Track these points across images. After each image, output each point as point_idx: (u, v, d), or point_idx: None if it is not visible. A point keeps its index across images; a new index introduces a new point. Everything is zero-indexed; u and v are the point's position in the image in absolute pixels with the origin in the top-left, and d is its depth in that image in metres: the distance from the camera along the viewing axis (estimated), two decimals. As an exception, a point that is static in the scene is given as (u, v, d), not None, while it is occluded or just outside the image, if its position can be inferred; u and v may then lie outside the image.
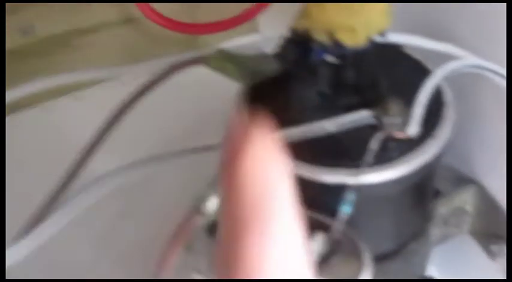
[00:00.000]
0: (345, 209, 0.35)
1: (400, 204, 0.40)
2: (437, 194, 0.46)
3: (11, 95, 0.45)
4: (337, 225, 0.35)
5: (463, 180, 0.47)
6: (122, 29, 0.68)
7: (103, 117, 0.47)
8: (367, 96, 0.38)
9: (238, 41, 0.43)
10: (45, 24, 0.65)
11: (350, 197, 0.35)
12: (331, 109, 0.38)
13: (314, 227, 0.36)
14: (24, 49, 0.65)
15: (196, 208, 0.34)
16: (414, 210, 0.42)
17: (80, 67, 0.62)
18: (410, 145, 0.37)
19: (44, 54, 0.66)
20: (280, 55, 0.40)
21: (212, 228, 0.36)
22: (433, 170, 0.40)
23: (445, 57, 0.40)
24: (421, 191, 0.41)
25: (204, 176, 0.36)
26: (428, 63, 0.42)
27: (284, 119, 0.37)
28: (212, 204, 0.34)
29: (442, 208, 0.46)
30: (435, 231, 0.45)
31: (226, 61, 0.39)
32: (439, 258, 0.47)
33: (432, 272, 0.47)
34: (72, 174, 0.43)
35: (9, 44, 0.64)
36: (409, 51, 0.43)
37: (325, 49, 0.37)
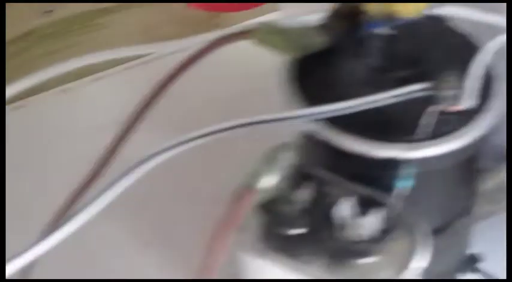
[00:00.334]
0: (404, 184, 0.35)
1: (450, 180, 0.40)
2: (479, 170, 0.45)
3: (37, 77, 0.44)
4: (394, 201, 0.35)
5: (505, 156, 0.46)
6: (143, 8, 0.67)
7: (133, 97, 0.47)
8: (419, 69, 0.37)
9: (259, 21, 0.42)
10: (66, 4, 0.64)
11: (408, 171, 0.35)
12: (382, 83, 0.37)
13: (368, 204, 0.35)
14: (46, 29, 0.64)
15: (250, 185, 0.33)
16: (462, 186, 0.42)
17: (102, 47, 0.61)
18: (464, 119, 0.36)
19: (65, 34, 0.65)
20: (327, 28, 0.39)
21: (266, 207, 0.35)
22: (483, 145, 0.40)
23: (490, 32, 0.39)
24: (470, 166, 0.41)
25: (256, 152, 0.35)
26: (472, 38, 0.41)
27: (332, 93, 0.37)
28: (266, 180, 0.33)
29: (486, 184, 0.45)
30: (479, 208, 0.45)
31: (273, 33, 0.38)
32: (482, 235, 0.46)
33: (475, 249, 0.46)
34: (108, 157, 0.42)
35: (30, 24, 0.63)
36: (453, 25, 0.42)
37: (377, 21, 0.36)
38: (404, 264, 0.35)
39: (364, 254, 0.34)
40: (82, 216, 0.32)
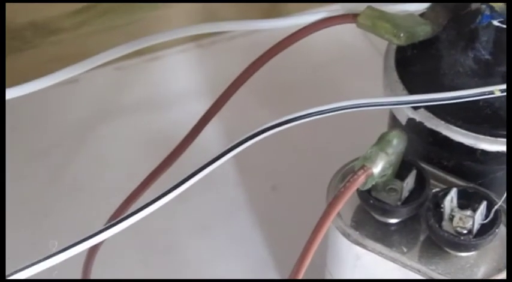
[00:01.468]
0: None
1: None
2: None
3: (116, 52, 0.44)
4: (496, 196, 0.34)
5: None
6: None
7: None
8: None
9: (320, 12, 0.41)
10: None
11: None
12: (490, 76, 0.36)
13: (470, 197, 0.34)
14: (108, 4, 0.63)
15: (362, 168, 0.33)
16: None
17: (163, 26, 0.61)
18: None
19: (127, 11, 0.64)
20: (430, 18, 0.38)
21: (367, 192, 0.34)
22: None
23: None
24: None
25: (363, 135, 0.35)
26: None
27: (436, 83, 0.36)
28: (378, 165, 0.33)
29: None
30: None
31: (380, 19, 0.37)
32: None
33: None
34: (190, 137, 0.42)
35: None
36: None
37: (494, 13, 0.35)
38: (500, 265, 0.34)
39: (464, 247, 0.34)
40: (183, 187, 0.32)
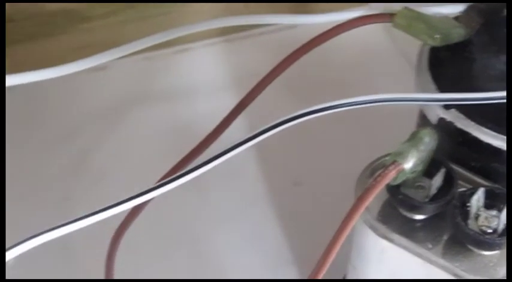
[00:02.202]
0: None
1: None
2: None
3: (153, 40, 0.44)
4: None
5: None
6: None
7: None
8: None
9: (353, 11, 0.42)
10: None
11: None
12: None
13: (496, 198, 0.35)
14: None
15: (394, 163, 0.33)
16: None
17: (191, 19, 0.61)
18: None
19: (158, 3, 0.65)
20: (465, 21, 0.39)
21: (396, 188, 0.35)
22: None
23: None
24: None
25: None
26: None
27: (467, 85, 0.37)
28: (410, 161, 0.33)
29: None
30: None
31: (416, 19, 0.38)
32: None
33: None
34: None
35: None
36: None
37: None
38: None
39: (488, 245, 0.34)
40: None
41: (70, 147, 0.57)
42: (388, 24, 0.38)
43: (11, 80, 0.42)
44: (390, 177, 0.33)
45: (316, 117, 0.34)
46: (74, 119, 0.59)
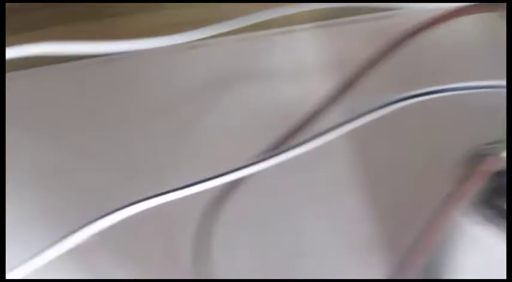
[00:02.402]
0: None
1: None
2: None
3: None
4: None
5: None
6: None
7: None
8: None
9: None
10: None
11: None
12: None
13: None
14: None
15: (491, 153, 0.33)
16: None
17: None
18: None
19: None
20: None
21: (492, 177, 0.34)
22: None
23: None
24: None
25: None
26: None
27: None
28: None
29: None
30: None
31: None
32: None
33: None
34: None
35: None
36: None
37: None
38: None
39: None
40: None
41: (167, 121, 0.59)
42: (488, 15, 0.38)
43: (107, 47, 0.43)
44: (498, 165, 0.32)
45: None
46: (170, 94, 0.60)
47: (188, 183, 0.32)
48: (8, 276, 0.32)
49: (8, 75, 0.46)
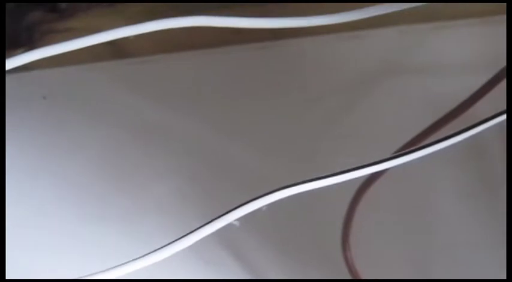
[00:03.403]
0: None
1: None
2: None
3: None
4: None
5: None
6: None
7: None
8: None
9: None
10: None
11: None
12: None
13: None
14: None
15: None
16: None
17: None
18: None
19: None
20: None
21: None
22: None
23: None
24: None
25: None
26: None
27: None
28: None
29: None
30: None
31: None
32: None
33: None
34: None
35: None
36: None
37: None
38: None
39: None
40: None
41: (320, 108, 0.60)
42: None
43: (268, 23, 0.44)
44: None
45: None
46: (327, 82, 0.62)
47: (335, 171, 0.33)
48: (169, 249, 0.33)
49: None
